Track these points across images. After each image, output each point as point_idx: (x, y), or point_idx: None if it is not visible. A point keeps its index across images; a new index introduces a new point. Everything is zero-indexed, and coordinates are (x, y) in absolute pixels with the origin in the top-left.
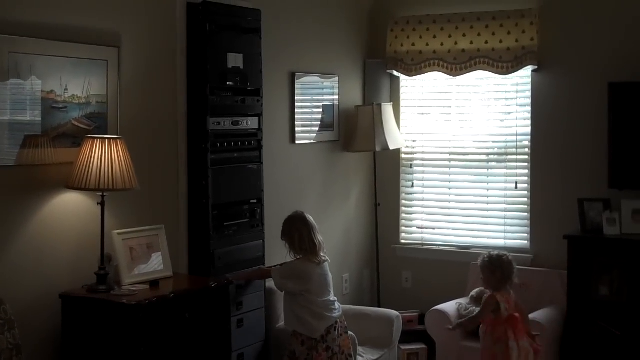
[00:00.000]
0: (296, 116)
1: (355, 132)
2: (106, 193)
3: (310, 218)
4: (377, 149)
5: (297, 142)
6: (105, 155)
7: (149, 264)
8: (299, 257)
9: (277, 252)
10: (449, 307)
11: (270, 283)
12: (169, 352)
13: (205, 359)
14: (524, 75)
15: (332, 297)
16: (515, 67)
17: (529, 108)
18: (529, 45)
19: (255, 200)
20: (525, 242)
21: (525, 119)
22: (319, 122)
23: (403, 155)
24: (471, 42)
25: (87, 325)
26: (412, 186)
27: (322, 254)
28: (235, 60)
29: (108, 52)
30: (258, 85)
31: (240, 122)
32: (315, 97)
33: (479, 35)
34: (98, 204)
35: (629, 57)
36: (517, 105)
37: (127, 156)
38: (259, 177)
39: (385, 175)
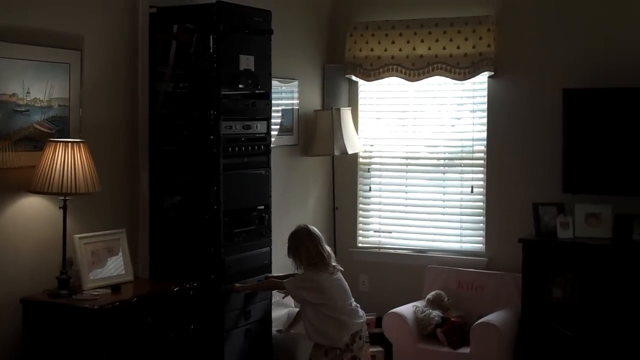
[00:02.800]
0: None
1: (314, 136)
2: (68, 197)
3: (315, 229)
4: (336, 153)
5: None
6: (67, 159)
7: (110, 268)
8: (305, 269)
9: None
10: (406, 309)
11: None
12: (131, 357)
13: None
14: (481, 81)
15: (354, 304)
16: (472, 73)
17: (484, 113)
18: (485, 51)
19: (262, 207)
20: (481, 245)
21: (481, 124)
22: (278, 127)
23: (361, 160)
24: (429, 48)
25: (49, 330)
26: (370, 190)
27: (333, 264)
28: (247, 62)
29: (70, 55)
30: (267, 88)
31: (251, 126)
32: (275, 102)
33: (436, 41)
34: (60, 207)
35: (584, 63)
36: (473, 110)
37: (90, 160)
38: (267, 183)
39: (343, 179)
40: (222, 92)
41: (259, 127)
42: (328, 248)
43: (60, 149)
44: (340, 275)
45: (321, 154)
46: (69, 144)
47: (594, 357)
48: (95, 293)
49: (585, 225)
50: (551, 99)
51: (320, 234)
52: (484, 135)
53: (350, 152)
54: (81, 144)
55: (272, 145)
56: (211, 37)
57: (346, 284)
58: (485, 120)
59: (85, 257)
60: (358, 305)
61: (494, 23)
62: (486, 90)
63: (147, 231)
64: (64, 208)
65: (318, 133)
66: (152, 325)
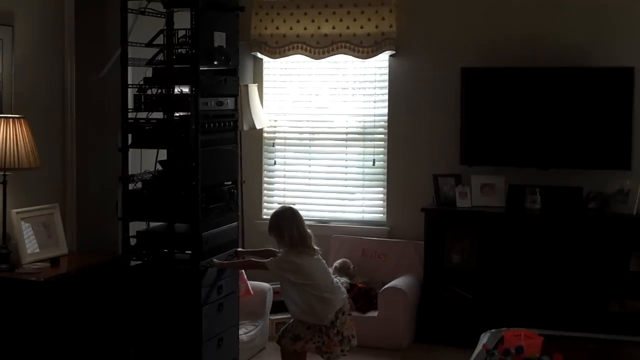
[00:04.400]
0: None
1: None
2: (8, 172)
3: (298, 211)
4: (245, 128)
5: None
6: (9, 134)
7: (45, 242)
8: (287, 249)
9: None
10: None
11: None
12: (74, 328)
13: (106, 334)
14: (383, 59)
15: (335, 281)
16: (375, 51)
17: (386, 90)
18: (388, 31)
19: (231, 182)
20: (382, 215)
21: (382, 101)
22: None
23: (265, 135)
24: (333, 27)
25: None
26: (275, 164)
27: (313, 246)
28: (220, 38)
29: (2, 32)
30: (236, 64)
31: (223, 103)
32: None
33: (340, 20)
34: (0, 183)
35: (480, 43)
36: (375, 87)
37: (30, 135)
38: (235, 159)
39: (248, 153)
40: (201, 69)
41: (229, 103)
42: (309, 230)
43: (2, 125)
44: (319, 256)
45: None
46: (10, 119)
47: (491, 317)
48: (36, 266)
49: (480, 194)
50: (449, 77)
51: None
52: (386, 111)
53: (258, 127)
54: (22, 119)
55: None
56: (190, 12)
57: (325, 263)
58: (386, 97)
59: (22, 232)
60: (339, 281)
61: (396, 5)
62: (387, 68)
63: (74, 206)
64: (4, 183)
65: None
66: (91, 297)
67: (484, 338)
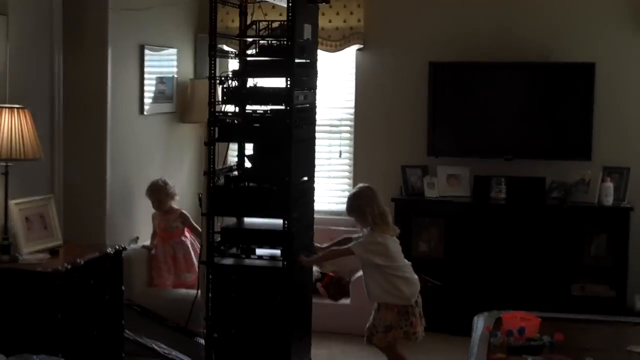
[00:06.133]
0: (145, 88)
1: (192, 103)
2: (10, 163)
3: (375, 189)
4: None
5: (145, 113)
6: (14, 124)
7: (42, 233)
8: (370, 229)
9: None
10: None
11: None
12: (80, 318)
13: (110, 321)
14: (351, 53)
15: (407, 262)
16: (343, 45)
17: (353, 83)
18: (356, 26)
19: (306, 178)
20: None
21: (350, 94)
22: (162, 94)
23: None
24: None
25: None
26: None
27: (393, 224)
28: (307, 31)
29: None
30: (315, 57)
31: (307, 96)
32: (158, 70)
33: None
34: (2, 174)
35: (448, 38)
36: (342, 80)
37: (33, 126)
38: (313, 154)
39: (220, 145)
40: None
41: (309, 97)
42: (387, 208)
43: (6, 115)
44: (396, 236)
45: (199, 121)
46: (15, 109)
47: (459, 303)
48: (38, 257)
49: (447, 185)
50: (417, 71)
51: None
52: (353, 103)
53: None
54: (25, 110)
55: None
56: (287, 4)
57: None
58: (354, 90)
59: (20, 223)
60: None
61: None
62: (355, 62)
63: (61, 196)
64: (6, 174)
65: (196, 101)
66: (93, 287)
67: (479, 320)
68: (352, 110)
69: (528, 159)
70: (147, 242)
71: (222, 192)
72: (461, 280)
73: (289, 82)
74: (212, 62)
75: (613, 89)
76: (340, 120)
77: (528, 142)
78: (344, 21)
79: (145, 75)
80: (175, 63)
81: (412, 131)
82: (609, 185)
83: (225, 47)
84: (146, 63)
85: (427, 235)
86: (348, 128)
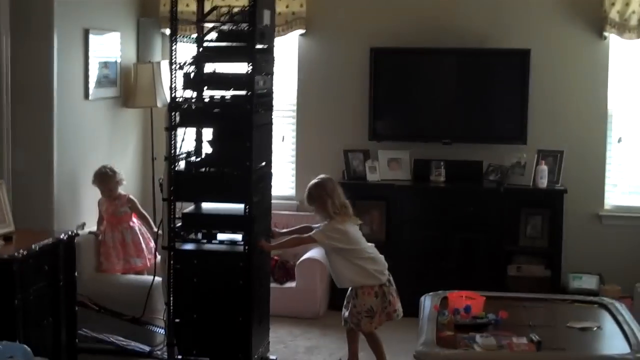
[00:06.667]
0: (89, 73)
1: (136, 88)
2: None
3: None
4: (159, 105)
5: (90, 98)
6: None
7: None
8: (330, 219)
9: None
10: None
11: None
12: (35, 303)
13: (64, 307)
14: (293, 38)
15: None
16: (285, 30)
17: (296, 69)
18: (298, 11)
19: (264, 163)
20: (292, 190)
21: (292, 79)
22: (106, 79)
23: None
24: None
25: None
26: (183, 140)
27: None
28: (267, 17)
29: None
30: (272, 43)
31: (266, 82)
32: (102, 54)
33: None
34: None
35: (389, 24)
36: (284, 65)
37: None
38: (270, 139)
39: (158, 130)
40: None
41: (267, 82)
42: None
43: None
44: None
45: (143, 106)
46: None
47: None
48: None
49: (388, 168)
50: (358, 57)
51: None
52: (295, 88)
53: None
54: None
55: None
56: None
57: None
58: (296, 75)
59: None
60: None
61: None
62: (297, 47)
63: (10, 183)
64: None
65: (139, 85)
66: (48, 272)
67: (426, 300)
68: (295, 95)
69: (466, 142)
70: (94, 228)
71: (183, 177)
72: (403, 262)
73: (250, 68)
74: (173, 48)
75: (547, 75)
76: (283, 105)
77: (466, 126)
78: (287, 6)
79: (90, 60)
80: (119, 47)
81: (353, 116)
82: (544, 168)
83: (168, 32)
84: (90, 47)
85: (369, 218)
86: (291, 113)
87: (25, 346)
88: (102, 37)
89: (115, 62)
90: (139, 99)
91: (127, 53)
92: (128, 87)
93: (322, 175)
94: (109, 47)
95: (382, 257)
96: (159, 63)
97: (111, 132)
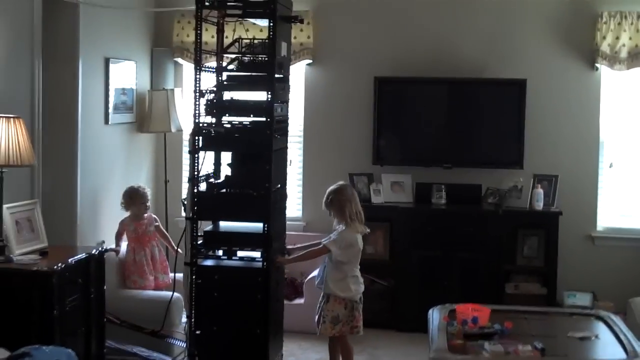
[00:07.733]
0: (110, 99)
1: (150, 114)
2: (5, 169)
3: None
4: (173, 130)
5: (109, 123)
6: (10, 132)
7: (30, 236)
8: (344, 226)
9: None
10: None
11: None
12: (72, 315)
13: (95, 317)
14: (300, 67)
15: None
16: (294, 60)
17: (303, 96)
18: (306, 42)
19: (279, 185)
20: (299, 211)
21: (299, 105)
22: (124, 105)
23: (186, 137)
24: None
25: None
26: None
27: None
28: (284, 49)
29: None
30: (289, 73)
31: (283, 109)
32: (119, 81)
33: (260, 31)
34: None
35: (392, 55)
36: (292, 93)
37: (27, 134)
38: (285, 163)
39: (171, 154)
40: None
41: (284, 109)
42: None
43: (2, 124)
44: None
45: (157, 131)
46: (10, 118)
47: (404, 301)
48: (30, 258)
49: (391, 191)
50: (363, 85)
51: None
52: (302, 114)
53: (184, 129)
54: (20, 119)
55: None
56: (269, 23)
57: None
58: (303, 101)
59: (12, 226)
60: None
61: (313, 17)
62: (304, 76)
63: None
64: (1, 180)
65: (154, 111)
66: (81, 285)
67: (434, 313)
68: (302, 121)
69: (466, 167)
70: (113, 245)
71: (206, 198)
72: (406, 280)
73: (269, 96)
74: (198, 76)
75: (543, 103)
76: (291, 130)
77: (466, 152)
78: (295, 37)
79: (110, 87)
80: (134, 75)
81: (358, 141)
82: (540, 191)
83: (180, 60)
84: (110, 75)
85: (373, 238)
86: (298, 138)
87: (70, 350)
88: (120, 65)
89: (132, 89)
90: (154, 124)
91: (142, 81)
92: (143, 113)
93: (341, 182)
94: (126, 75)
95: (362, 279)
96: (172, 90)
97: (127, 156)
